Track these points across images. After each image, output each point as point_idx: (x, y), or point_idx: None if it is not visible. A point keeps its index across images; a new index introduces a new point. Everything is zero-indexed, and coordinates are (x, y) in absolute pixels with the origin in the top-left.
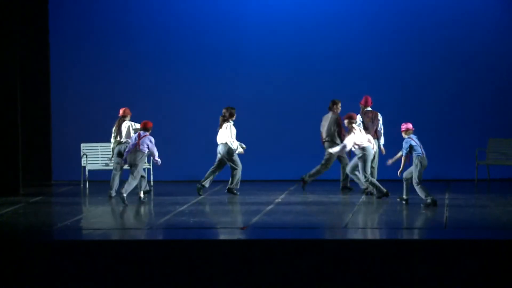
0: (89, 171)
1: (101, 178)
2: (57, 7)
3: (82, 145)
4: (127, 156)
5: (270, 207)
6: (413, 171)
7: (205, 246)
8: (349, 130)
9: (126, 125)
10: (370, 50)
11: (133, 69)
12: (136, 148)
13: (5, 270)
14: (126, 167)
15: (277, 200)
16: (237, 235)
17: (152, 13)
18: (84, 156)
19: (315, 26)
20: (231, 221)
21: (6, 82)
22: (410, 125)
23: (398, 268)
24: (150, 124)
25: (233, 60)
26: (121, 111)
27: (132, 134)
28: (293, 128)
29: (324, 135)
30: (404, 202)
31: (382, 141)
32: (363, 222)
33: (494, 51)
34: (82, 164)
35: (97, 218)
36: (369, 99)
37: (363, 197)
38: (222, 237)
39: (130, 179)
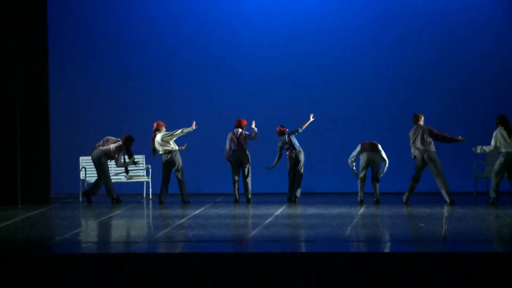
0: (88, 184)
1: (99, 191)
2: (56, 24)
3: (81, 158)
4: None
5: (269, 220)
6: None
7: (204, 259)
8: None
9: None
10: (367, 66)
11: (131, 85)
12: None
13: (4, 283)
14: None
15: (276, 213)
16: (236, 249)
17: (151, 30)
18: (83, 169)
19: (315, 37)
20: (230, 234)
21: (6, 96)
22: None
23: (397, 281)
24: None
25: (234, 75)
26: (154, 125)
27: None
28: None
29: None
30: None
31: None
32: (362, 235)
33: (493, 67)
34: (81, 177)
35: (96, 231)
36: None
37: (362, 210)
38: (220, 250)
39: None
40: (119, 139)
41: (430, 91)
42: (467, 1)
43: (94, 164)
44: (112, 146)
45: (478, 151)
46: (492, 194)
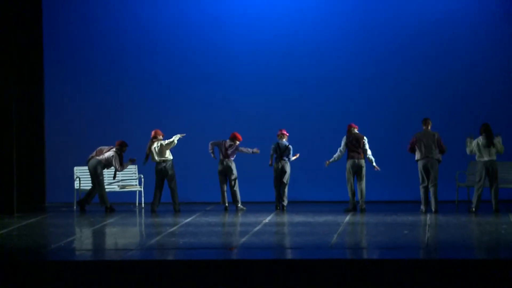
0: (82, 193)
1: (93, 200)
2: (51, 34)
3: (75, 168)
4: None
5: (257, 228)
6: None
7: (195, 266)
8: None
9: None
10: (352, 79)
11: (125, 96)
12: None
13: None
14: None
15: (264, 221)
16: (226, 256)
17: (145, 40)
18: (77, 179)
19: (302, 50)
20: (220, 242)
21: (1, 108)
22: None
23: (382, 287)
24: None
25: (225, 84)
26: (152, 133)
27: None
28: None
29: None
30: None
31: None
32: (348, 242)
33: (475, 80)
34: (75, 187)
35: (90, 239)
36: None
37: (348, 218)
38: (211, 257)
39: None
40: (111, 146)
41: (412, 116)
42: (466, 4)
43: (90, 174)
44: (108, 154)
45: (468, 152)
46: (474, 203)
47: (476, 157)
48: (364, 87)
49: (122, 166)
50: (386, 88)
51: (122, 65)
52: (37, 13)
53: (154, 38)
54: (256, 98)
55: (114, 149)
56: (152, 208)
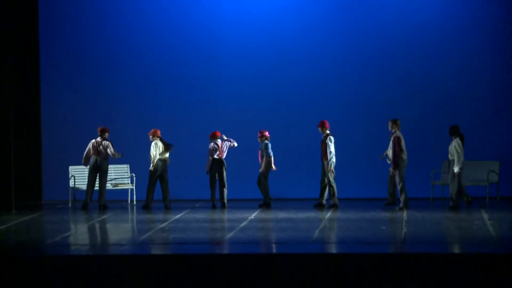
0: (77, 191)
1: (87, 197)
2: (47, 34)
3: (70, 167)
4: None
5: (243, 224)
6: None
7: (184, 260)
8: None
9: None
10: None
11: (120, 98)
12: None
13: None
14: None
15: (250, 217)
16: (214, 250)
17: (141, 43)
18: (72, 177)
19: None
20: (208, 237)
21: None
22: None
23: (361, 279)
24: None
25: (214, 88)
26: (158, 132)
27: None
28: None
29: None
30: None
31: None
32: (329, 237)
33: (451, 80)
34: (70, 185)
35: (84, 234)
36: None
37: (329, 214)
38: (199, 252)
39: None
40: (98, 139)
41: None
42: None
43: (103, 172)
44: (104, 144)
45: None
46: (462, 198)
47: (463, 157)
48: (345, 89)
49: (114, 154)
50: (369, 90)
51: (118, 66)
52: (34, 14)
53: (149, 40)
54: (242, 100)
55: (102, 139)
56: (150, 205)
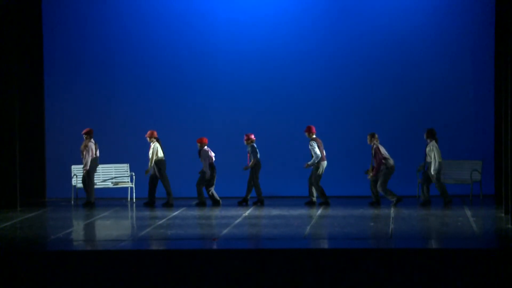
0: (79, 189)
1: (81, 194)
2: (51, 36)
3: (72, 166)
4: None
5: (238, 220)
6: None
7: (182, 255)
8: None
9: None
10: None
11: (122, 98)
12: None
13: (4, 277)
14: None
15: (244, 214)
16: (209, 246)
17: (143, 45)
18: (75, 176)
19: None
20: (204, 233)
21: (5, 108)
22: None
23: (350, 274)
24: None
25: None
26: (155, 133)
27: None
28: (264, 150)
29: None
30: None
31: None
32: (319, 234)
33: (436, 82)
34: (73, 184)
35: (86, 231)
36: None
37: (320, 211)
38: (196, 247)
39: None
40: (88, 142)
41: (377, 117)
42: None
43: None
44: (93, 149)
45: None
46: (445, 197)
47: (441, 159)
48: (334, 92)
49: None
50: (357, 92)
51: (120, 68)
52: (38, 16)
53: (150, 44)
54: (236, 101)
55: (90, 141)
56: (154, 201)
